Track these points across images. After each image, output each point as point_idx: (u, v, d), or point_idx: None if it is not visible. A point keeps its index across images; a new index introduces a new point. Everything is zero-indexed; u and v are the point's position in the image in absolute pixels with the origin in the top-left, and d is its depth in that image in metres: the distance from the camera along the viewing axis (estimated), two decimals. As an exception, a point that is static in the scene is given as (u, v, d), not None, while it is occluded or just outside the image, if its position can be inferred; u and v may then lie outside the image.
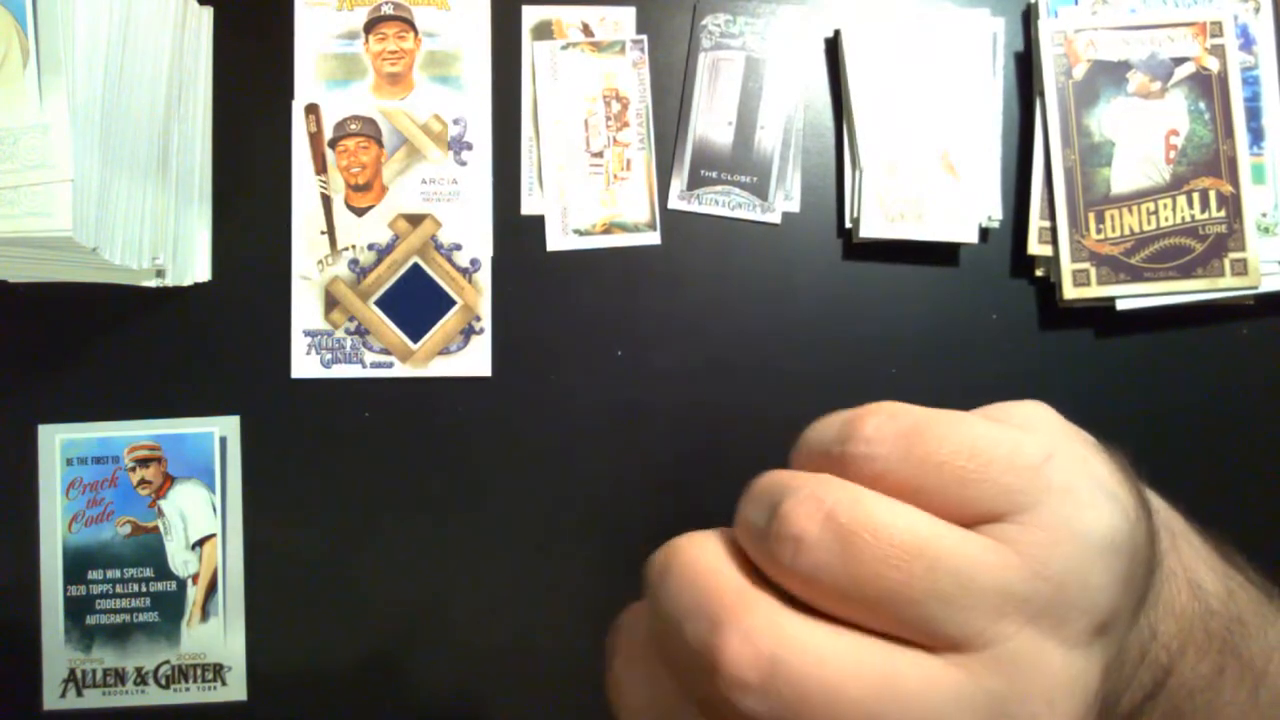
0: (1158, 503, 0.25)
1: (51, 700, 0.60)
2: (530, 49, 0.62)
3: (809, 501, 0.19)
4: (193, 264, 0.60)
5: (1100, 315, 0.61)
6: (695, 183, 0.62)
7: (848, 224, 0.61)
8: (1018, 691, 0.18)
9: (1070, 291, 0.59)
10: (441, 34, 0.62)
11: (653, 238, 0.62)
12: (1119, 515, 0.19)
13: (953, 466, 0.19)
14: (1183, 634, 0.23)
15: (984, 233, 0.60)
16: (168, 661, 0.60)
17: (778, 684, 0.18)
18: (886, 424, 0.20)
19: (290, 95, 0.61)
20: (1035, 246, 0.60)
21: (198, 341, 0.61)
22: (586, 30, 0.62)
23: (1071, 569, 0.18)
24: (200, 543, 0.60)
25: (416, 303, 0.61)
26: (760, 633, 0.18)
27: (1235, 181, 0.59)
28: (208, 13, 0.61)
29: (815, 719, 0.17)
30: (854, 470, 0.20)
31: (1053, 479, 0.19)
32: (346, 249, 0.61)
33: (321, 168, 0.61)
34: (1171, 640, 0.23)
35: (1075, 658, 0.19)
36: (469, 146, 0.62)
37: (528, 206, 0.62)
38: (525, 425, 0.61)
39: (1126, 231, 0.59)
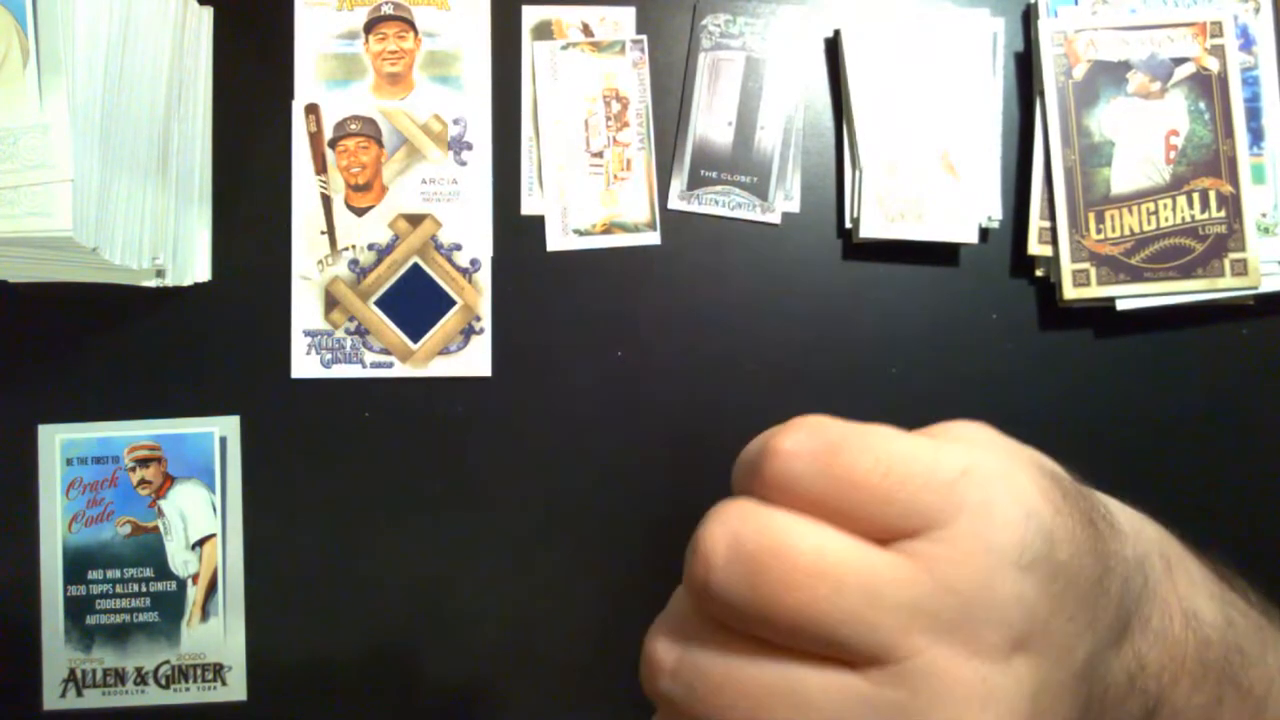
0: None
1: (51, 700, 0.60)
2: (530, 49, 0.62)
3: (719, 525, 0.19)
4: (193, 264, 0.60)
5: (1100, 315, 0.61)
6: (695, 183, 0.62)
7: (848, 224, 0.61)
8: (924, 704, 0.18)
9: (1070, 291, 0.59)
10: (441, 34, 0.62)
11: (653, 238, 0.62)
12: (1033, 531, 0.19)
13: (868, 483, 0.19)
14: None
15: (984, 233, 0.60)
16: (168, 661, 0.60)
17: (688, 688, 0.20)
18: (804, 440, 0.19)
19: (290, 95, 0.61)
20: (1035, 246, 0.60)
21: (198, 341, 0.61)
22: (586, 30, 0.62)
23: (980, 583, 0.19)
24: (200, 543, 0.60)
25: (416, 303, 0.61)
26: (666, 646, 0.20)
27: (1235, 181, 0.59)
28: (208, 13, 0.61)
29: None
30: (772, 488, 0.19)
31: (967, 495, 0.19)
32: (346, 249, 0.61)
33: (321, 168, 0.61)
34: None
35: (991, 671, 0.19)
36: (469, 146, 0.62)
37: (528, 206, 0.62)
38: (525, 425, 0.61)
39: (1126, 232, 0.59)
